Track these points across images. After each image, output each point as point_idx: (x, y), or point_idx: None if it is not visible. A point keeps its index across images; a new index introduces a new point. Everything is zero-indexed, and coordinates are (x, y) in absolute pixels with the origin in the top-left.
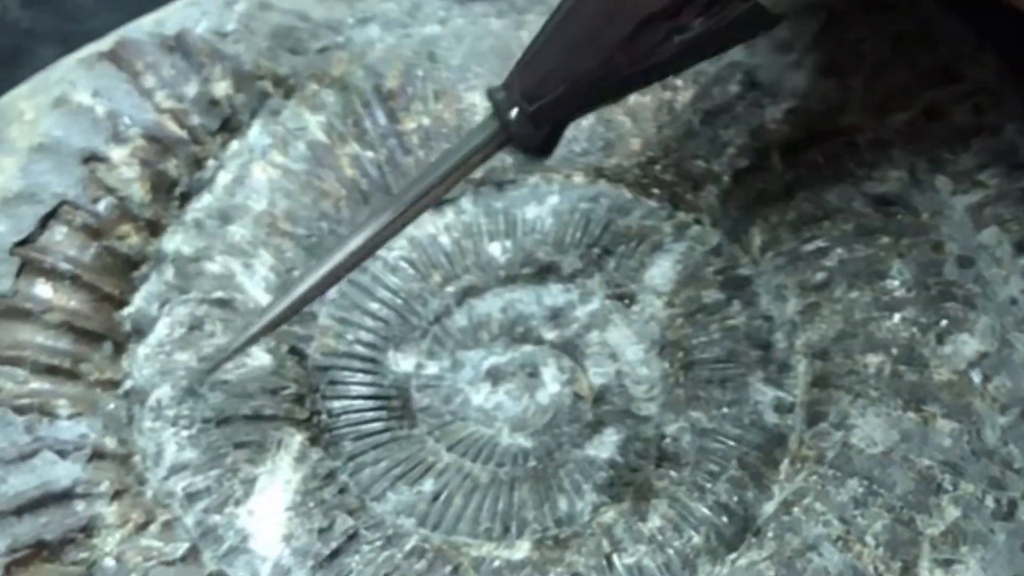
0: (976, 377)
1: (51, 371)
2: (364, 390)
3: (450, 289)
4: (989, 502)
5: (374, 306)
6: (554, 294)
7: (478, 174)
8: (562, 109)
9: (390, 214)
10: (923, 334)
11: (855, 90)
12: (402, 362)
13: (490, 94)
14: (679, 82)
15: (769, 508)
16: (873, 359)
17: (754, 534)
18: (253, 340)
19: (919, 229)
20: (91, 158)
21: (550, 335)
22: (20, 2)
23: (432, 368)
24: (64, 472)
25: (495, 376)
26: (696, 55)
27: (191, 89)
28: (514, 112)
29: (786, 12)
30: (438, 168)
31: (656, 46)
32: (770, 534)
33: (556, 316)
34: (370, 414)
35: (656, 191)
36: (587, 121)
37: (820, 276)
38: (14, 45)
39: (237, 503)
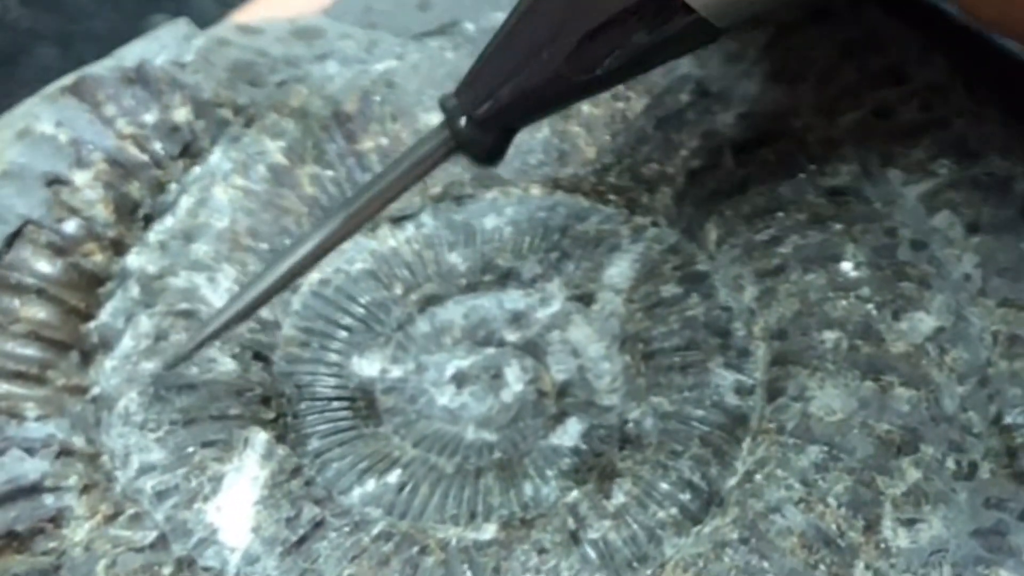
0: (933, 350)
1: (18, 376)
2: (329, 392)
3: (413, 298)
4: (950, 464)
5: (338, 316)
6: (515, 299)
7: (437, 189)
8: (509, 117)
9: (342, 217)
10: (879, 311)
11: (805, 94)
12: (367, 367)
13: (441, 102)
14: (631, 93)
15: (732, 481)
16: (830, 335)
17: (718, 505)
18: (209, 340)
19: (872, 216)
20: (55, 181)
21: (512, 337)
22: (20, 2)
23: (396, 372)
24: (32, 467)
25: (459, 379)
26: (642, 66)
27: (151, 116)
28: (463, 119)
29: (731, 25)
30: (390, 173)
31: (601, 58)
32: (733, 501)
33: (517, 319)
34: (336, 414)
35: (612, 197)
36: (542, 134)
37: (775, 263)
38: (14, 45)
39: (205, 499)
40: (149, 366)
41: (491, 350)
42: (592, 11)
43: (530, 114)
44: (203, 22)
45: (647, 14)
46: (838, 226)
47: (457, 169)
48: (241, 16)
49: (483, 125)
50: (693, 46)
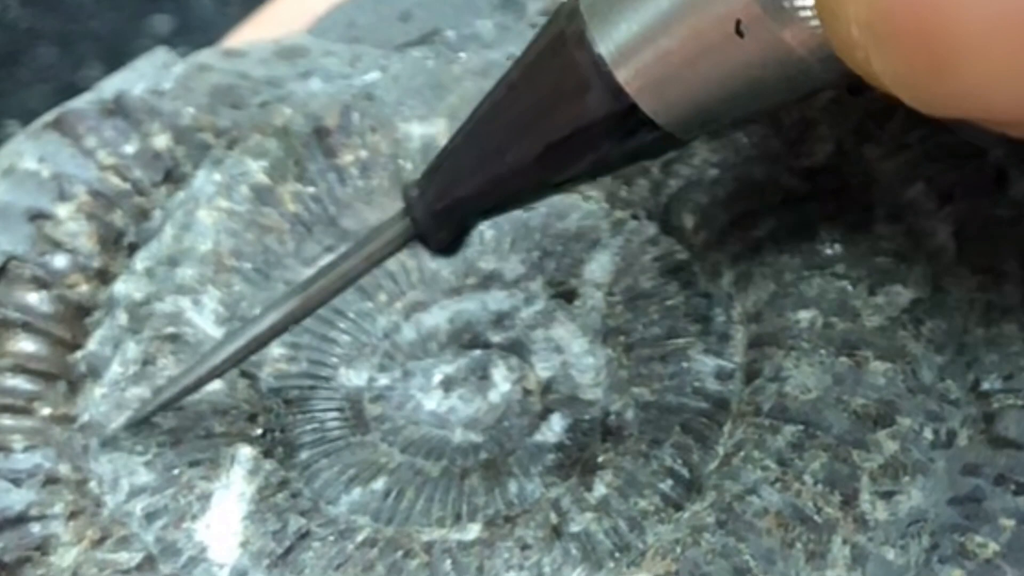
0: (909, 322)
1: (5, 409)
2: (317, 404)
3: (398, 306)
4: (927, 434)
5: (324, 329)
6: (499, 300)
7: None
8: (468, 212)
9: (298, 300)
10: (854, 287)
11: None
12: (354, 377)
13: (404, 190)
14: None
15: (712, 465)
16: (805, 315)
17: (696, 491)
18: (160, 409)
19: (847, 194)
20: (37, 216)
21: (497, 338)
22: (20, 2)
23: (384, 380)
24: (18, 498)
25: (447, 383)
26: (606, 171)
27: (131, 146)
28: (420, 211)
29: (695, 137)
30: (348, 258)
31: (566, 165)
32: (710, 486)
33: (501, 319)
34: (324, 425)
35: (592, 193)
36: None
37: (751, 246)
38: (14, 45)
39: (194, 518)
40: (137, 391)
41: (477, 352)
42: (558, 121)
43: (490, 211)
44: (203, 22)
45: (614, 128)
46: (813, 205)
47: None
48: (230, 41)
49: (442, 218)
50: (659, 153)
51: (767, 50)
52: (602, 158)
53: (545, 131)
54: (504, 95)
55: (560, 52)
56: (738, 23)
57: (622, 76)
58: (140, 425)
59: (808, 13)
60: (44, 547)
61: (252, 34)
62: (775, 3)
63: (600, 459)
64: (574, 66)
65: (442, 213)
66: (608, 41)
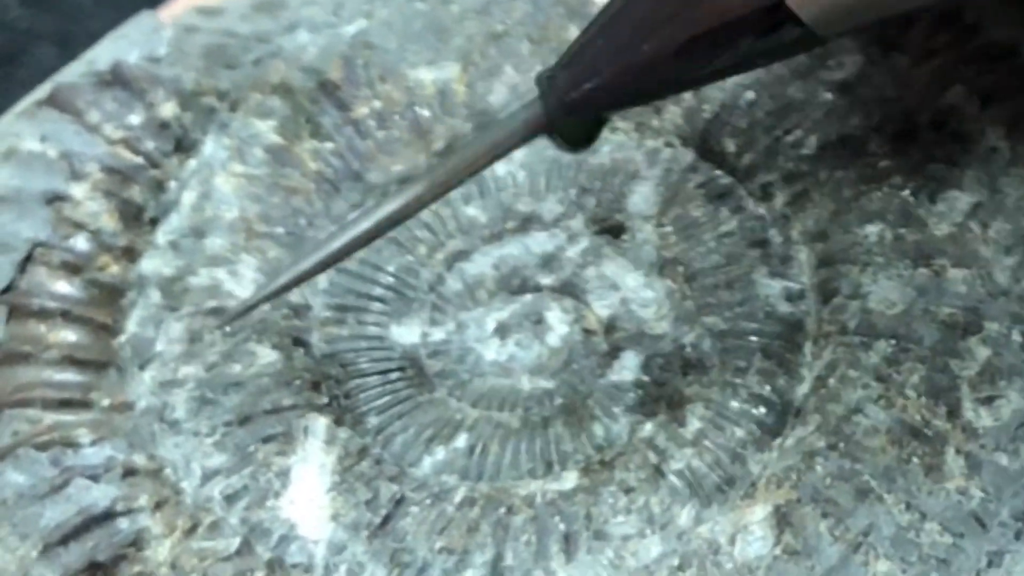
0: (975, 226)
1: (63, 404)
2: (376, 366)
3: (439, 257)
4: (1016, 336)
5: (367, 288)
6: (541, 242)
7: (439, 144)
8: (604, 103)
9: (422, 186)
10: (915, 197)
11: None
12: (407, 334)
13: (537, 79)
14: None
15: (803, 389)
16: (872, 229)
17: (795, 415)
18: (282, 291)
19: (886, 104)
20: (54, 199)
21: (547, 280)
22: (20, 2)
23: (438, 334)
24: (100, 494)
25: (502, 330)
26: (742, 70)
27: (137, 117)
28: (552, 101)
29: (834, 35)
30: (471, 147)
31: (704, 61)
32: (811, 409)
33: (548, 262)
34: (388, 387)
35: (620, 124)
36: (536, 73)
37: (801, 165)
38: (14, 45)
39: (277, 495)
40: (190, 370)
41: (528, 297)
42: (703, 14)
43: (622, 104)
44: None
45: (757, 24)
46: (855, 119)
47: (456, 121)
48: None
49: (576, 109)
50: (795, 53)
51: None
52: (741, 54)
53: (689, 22)
54: None
55: None
56: None
57: None
58: (244, 316)
59: None
60: (137, 542)
61: None
62: None
63: (686, 392)
64: None
65: (574, 104)
66: None
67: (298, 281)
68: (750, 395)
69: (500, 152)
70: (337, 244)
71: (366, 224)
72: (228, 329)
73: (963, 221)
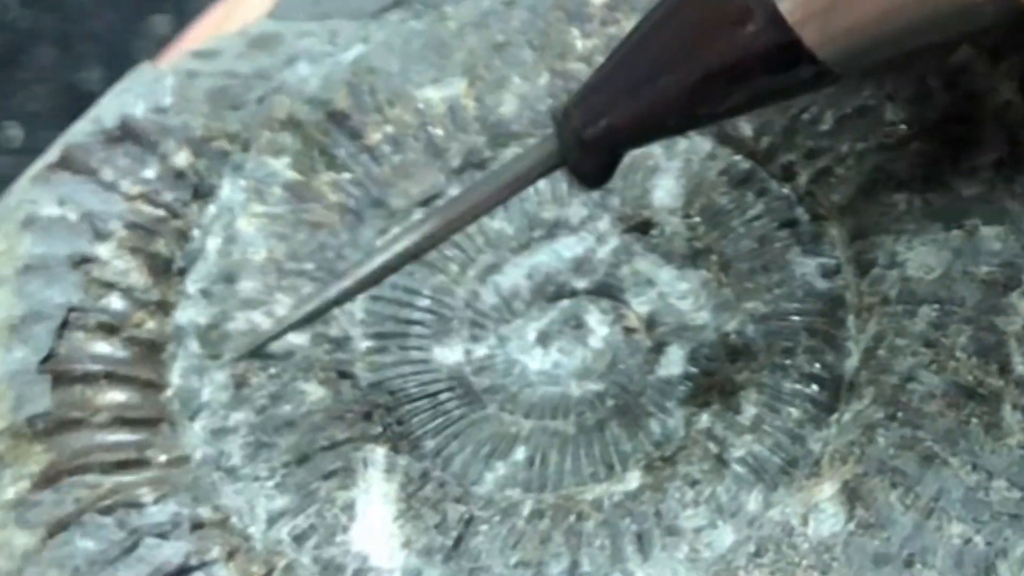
0: (1000, 182)
1: (120, 465)
2: (424, 389)
3: (471, 273)
4: None
5: (405, 313)
6: (571, 246)
7: (456, 161)
8: (619, 140)
9: (436, 222)
10: (938, 160)
11: None
12: (450, 354)
13: (552, 114)
14: (619, 15)
15: (853, 363)
16: (899, 196)
17: (848, 390)
18: (295, 327)
19: (896, 70)
20: (81, 261)
21: (581, 284)
22: (20, 2)
23: (480, 350)
24: (172, 551)
25: (544, 339)
26: (757, 107)
27: (152, 169)
28: (568, 138)
29: (851, 73)
30: (488, 184)
31: (720, 98)
32: (864, 382)
33: (581, 265)
34: (439, 409)
35: None
36: (543, 79)
37: (821, 141)
38: (14, 45)
39: (345, 530)
40: (240, 416)
41: (565, 302)
42: (718, 51)
43: (639, 140)
44: None
45: (773, 62)
46: (868, 89)
47: (470, 136)
48: (190, 43)
49: (591, 146)
50: (810, 90)
51: None
52: (757, 91)
53: (703, 61)
54: (660, 23)
55: None
56: None
57: (785, 7)
58: (260, 351)
59: None
60: None
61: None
62: None
63: (737, 379)
64: None
65: (589, 141)
66: None
67: (305, 322)
68: (800, 375)
69: (518, 188)
70: (347, 283)
71: (378, 261)
72: (242, 363)
73: (989, 178)
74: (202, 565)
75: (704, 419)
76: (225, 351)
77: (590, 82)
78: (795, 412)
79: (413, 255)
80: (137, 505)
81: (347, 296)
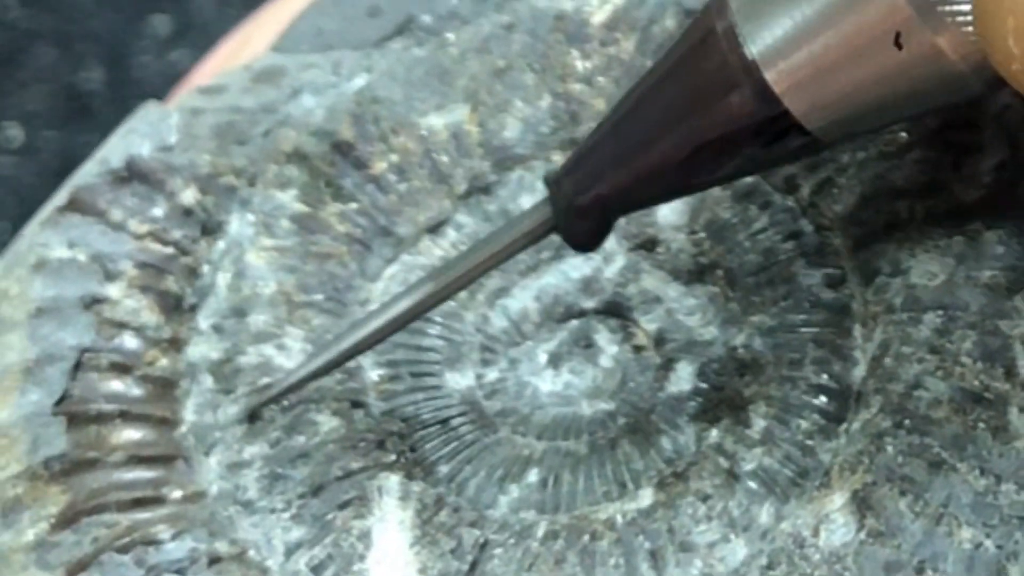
0: (1001, 185)
1: (137, 503)
2: (437, 415)
3: (479, 298)
4: None
5: (415, 340)
6: (578, 266)
7: (462, 187)
8: (611, 207)
9: (430, 287)
10: (938, 165)
11: None
12: (461, 379)
13: (546, 179)
14: (618, 34)
15: (860, 372)
16: (901, 204)
17: (856, 399)
18: (285, 394)
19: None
20: (92, 302)
21: (589, 304)
22: (20, 2)
23: (492, 374)
24: None
25: (554, 360)
26: (747, 174)
27: (160, 208)
28: (561, 205)
29: (837, 142)
30: (483, 248)
31: (710, 168)
32: (872, 391)
33: (588, 285)
34: (451, 434)
35: None
36: (544, 102)
37: (824, 153)
38: (14, 45)
39: (362, 558)
40: (254, 449)
41: (574, 323)
42: (709, 122)
43: (630, 208)
44: (203, 22)
45: (763, 132)
46: None
47: (474, 162)
48: (198, 79)
49: (583, 214)
50: (799, 158)
51: (922, 57)
52: (747, 160)
53: (694, 131)
54: (649, 92)
55: (709, 51)
56: (897, 36)
57: (771, 77)
58: (261, 411)
59: (965, 19)
60: None
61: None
62: (931, 10)
63: (746, 393)
64: (724, 66)
65: (581, 209)
66: (759, 41)
67: (309, 379)
68: (809, 386)
69: (513, 251)
70: (346, 344)
71: (375, 324)
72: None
73: (989, 182)
74: None
75: (714, 434)
76: (234, 408)
77: (582, 150)
78: (804, 423)
79: (406, 320)
80: (154, 542)
81: (334, 365)
